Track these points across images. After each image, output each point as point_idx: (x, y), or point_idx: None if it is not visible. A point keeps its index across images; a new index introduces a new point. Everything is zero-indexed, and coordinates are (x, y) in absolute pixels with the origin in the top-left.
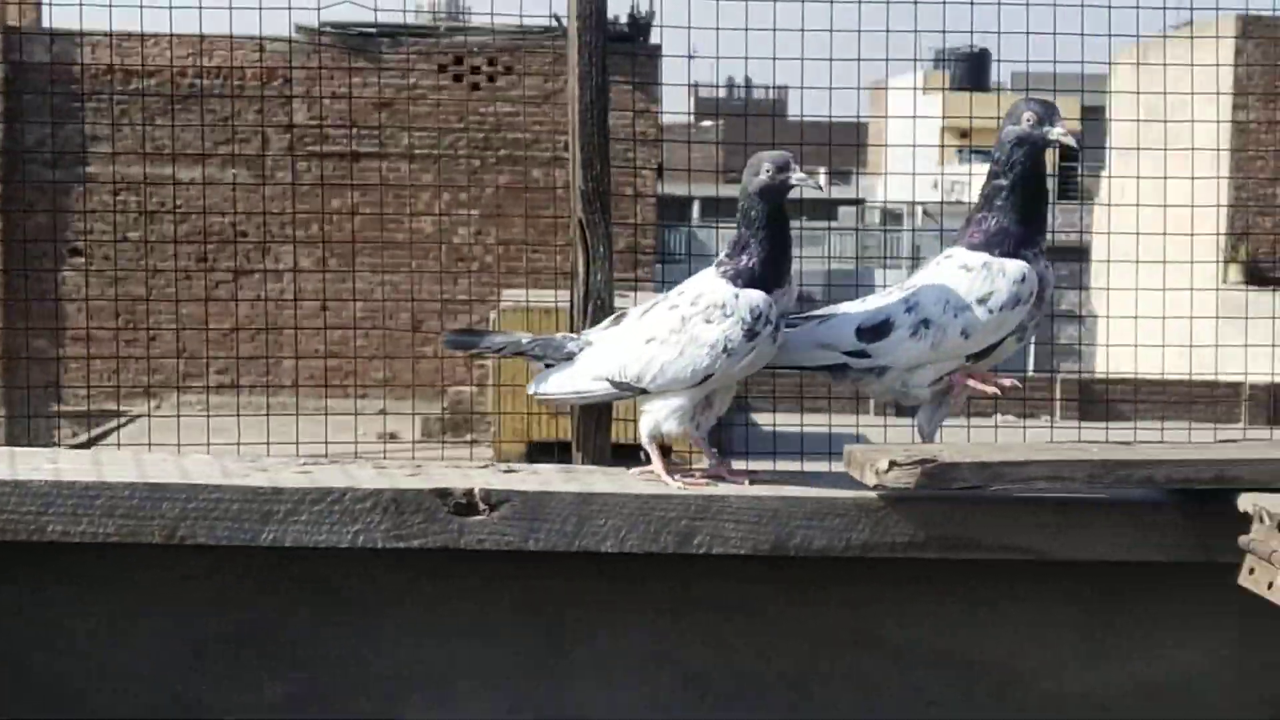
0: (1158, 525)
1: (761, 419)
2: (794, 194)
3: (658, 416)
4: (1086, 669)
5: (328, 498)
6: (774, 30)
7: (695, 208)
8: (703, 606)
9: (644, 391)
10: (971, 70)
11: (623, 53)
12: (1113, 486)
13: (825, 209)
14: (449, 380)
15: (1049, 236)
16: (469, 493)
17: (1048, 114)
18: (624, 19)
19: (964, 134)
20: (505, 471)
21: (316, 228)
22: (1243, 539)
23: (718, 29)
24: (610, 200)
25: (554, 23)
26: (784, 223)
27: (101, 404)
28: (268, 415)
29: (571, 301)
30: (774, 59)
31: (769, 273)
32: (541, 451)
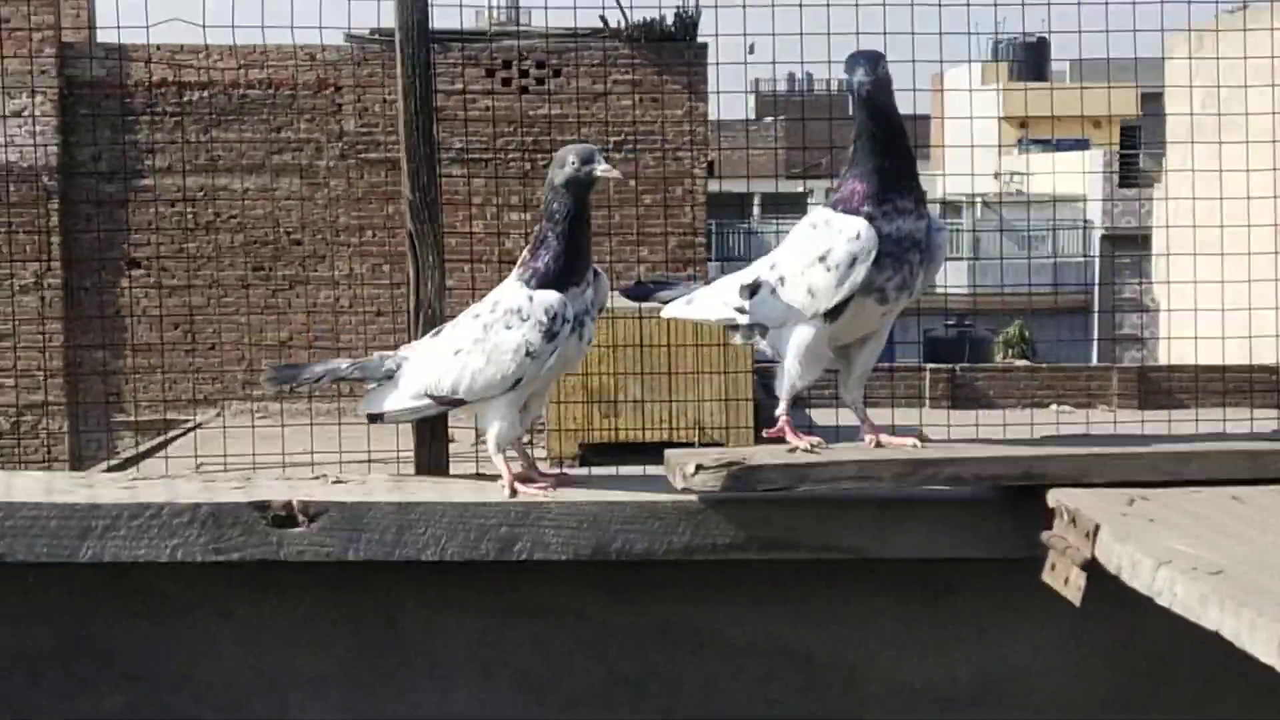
0: (978, 523)
1: (819, 416)
2: (600, 185)
3: (488, 425)
4: (923, 662)
5: (145, 512)
6: (827, 33)
7: (755, 203)
8: (535, 610)
9: (462, 402)
10: (1030, 60)
11: (671, 50)
12: (921, 484)
13: None
14: None
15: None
16: (288, 505)
17: None
18: (670, 19)
19: (1023, 124)
20: (334, 482)
21: (370, 234)
22: (1044, 534)
23: (773, 32)
24: (439, 210)
25: (602, 24)
26: (585, 218)
27: (162, 414)
28: (310, 423)
29: (407, 312)
30: (828, 60)
31: (567, 270)
32: (596, 452)
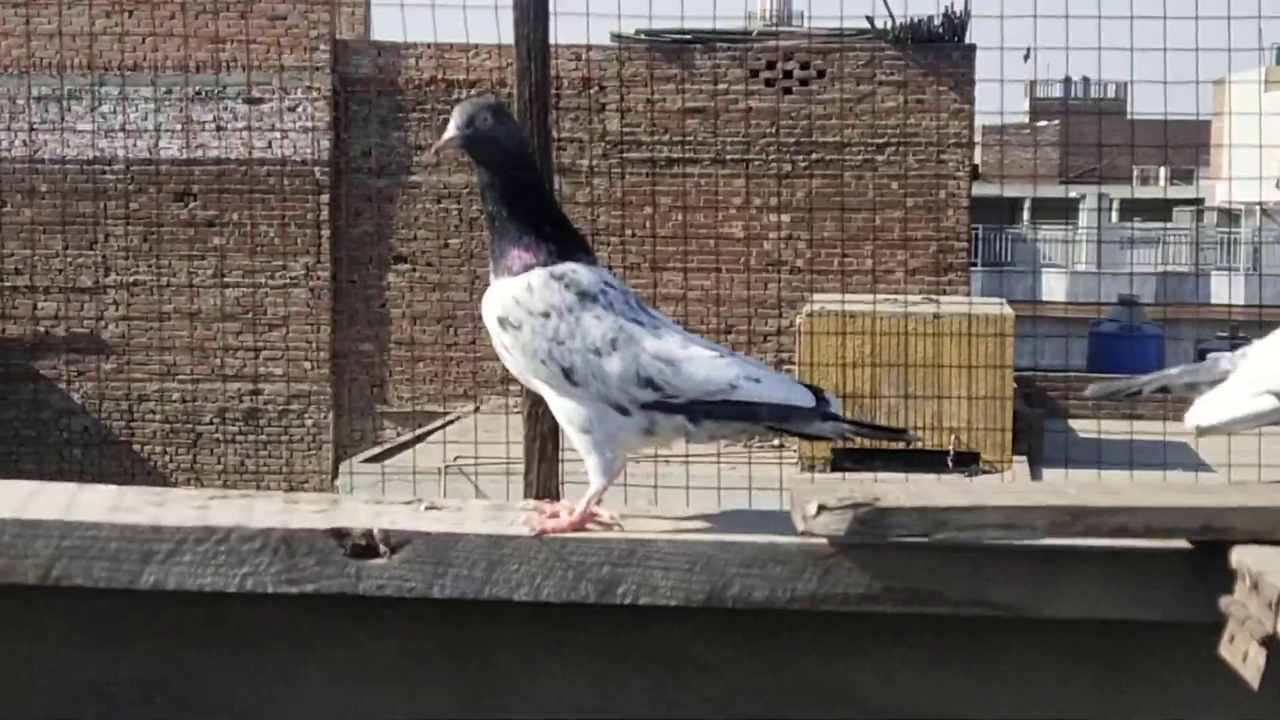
0: (1157, 580)
1: (1080, 425)
2: None
3: None
4: None
5: (212, 537)
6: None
7: (1026, 209)
8: (648, 656)
9: None
10: None
11: (938, 52)
12: (1080, 536)
13: (1160, 209)
14: None
15: None
16: (368, 533)
17: None
18: (939, 20)
19: None
20: (426, 509)
21: (630, 234)
22: (1223, 600)
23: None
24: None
25: (868, 25)
26: None
27: (424, 406)
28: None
29: None
30: (1097, 61)
31: None
32: (846, 457)
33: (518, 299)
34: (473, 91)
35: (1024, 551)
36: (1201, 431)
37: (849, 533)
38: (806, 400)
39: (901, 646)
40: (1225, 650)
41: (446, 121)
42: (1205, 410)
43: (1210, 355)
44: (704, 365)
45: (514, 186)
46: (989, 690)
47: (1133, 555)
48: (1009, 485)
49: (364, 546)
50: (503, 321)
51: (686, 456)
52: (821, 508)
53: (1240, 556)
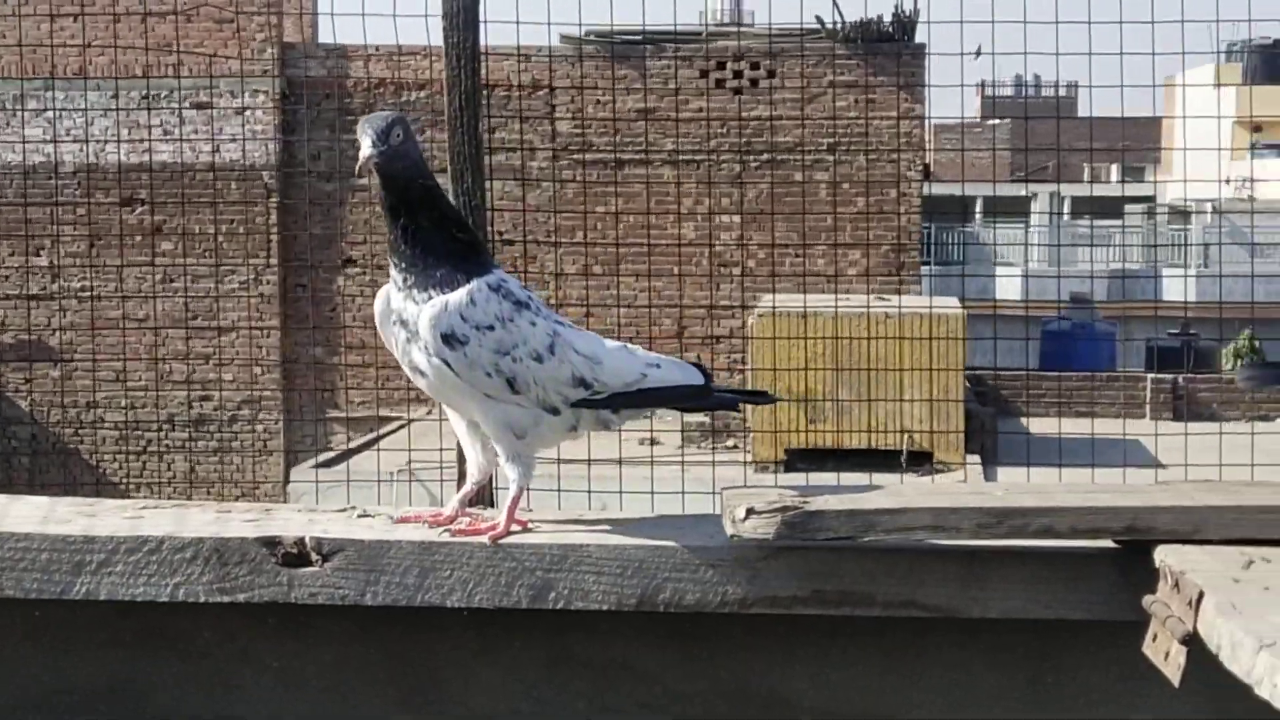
0: (1084, 580)
1: (1034, 424)
2: None
3: None
4: None
5: (144, 547)
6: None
7: (978, 206)
8: (582, 662)
9: None
10: (1264, 62)
11: (887, 53)
12: (1006, 537)
13: (1112, 207)
14: None
15: None
16: (300, 542)
17: None
18: (888, 19)
19: (1257, 128)
20: (360, 516)
21: (579, 235)
22: (1146, 599)
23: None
24: (484, 214)
25: (818, 24)
26: None
27: (376, 410)
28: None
29: None
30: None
31: None
32: (800, 458)
33: (463, 314)
34: (422, 95)
35: (953, 553)
36: None
37: (777, 536)
38: (698, 379)
39: (836, 649)
40: (1148, 649)
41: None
42: None
43: None
44: (621, 359)
45: (429, 199)
46: (922, 691)
47: (1061, 556)
48: (937, 487)
49: (296, 555)
50: (448, 338)
51: (619, 459)
52: (750, 512)
53: (1163, 556)
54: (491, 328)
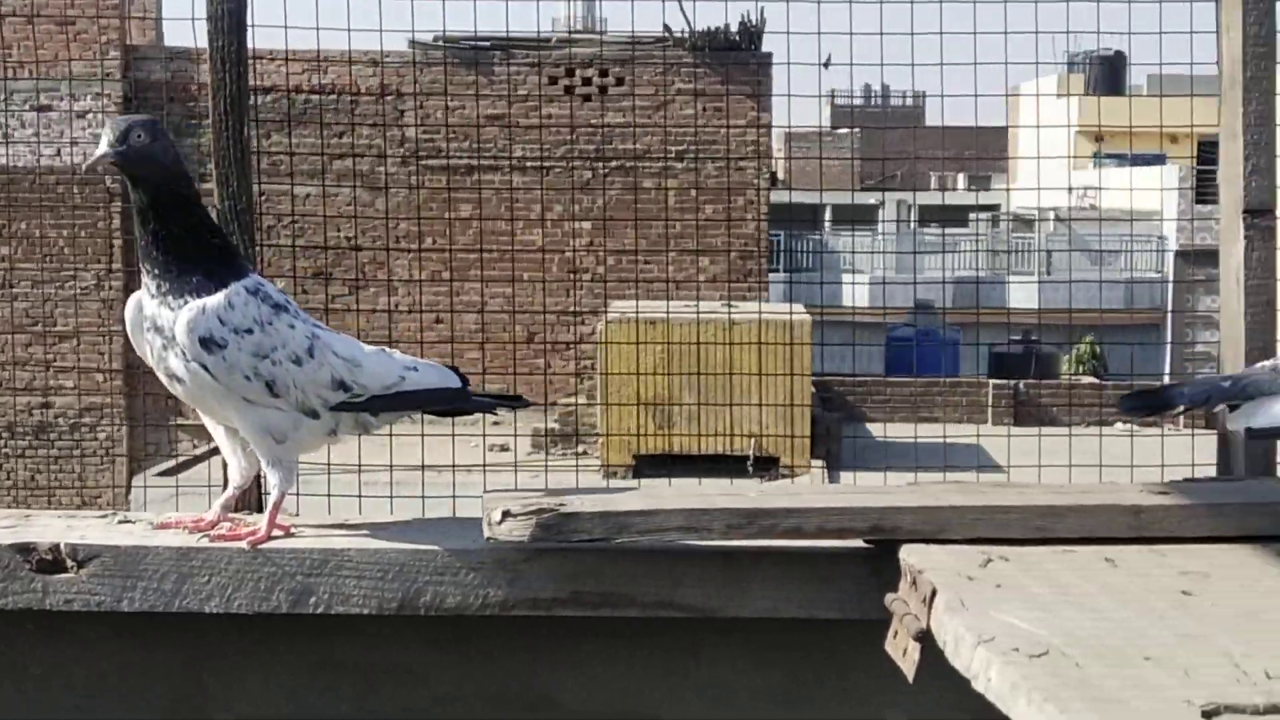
0: (836, 579)
1: (875, 429)
2: None
3: None
4: None
5: None
6: (881, 33)
7: (828, 214)
8: (348, 666)
9: None
10: (1106, 73)
11: (735, 62)
12: (756, 537)
13: (958, 215)
14: (561, 393)
15: None
16: (55, 548)
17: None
18: (735, 27)
19: (1098, 138)
20: (120, 522)
21: (430, 240)
22: (888, 597)
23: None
24: (252, 220)
25: (666, 33)
26: None
27: None
28: (390, 435)
29: None
30: (877, 64)
31: None
32: (649, 464)
33: (221, 317)
34: (267, 99)
35: (712, 554)
36: (1255, 434)
37: (532, 538)
38: (455, 382)
39: (600, 650)
40: (890, 646)
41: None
42: (1268, 414)
43: (1259, 365)
44: (380, 361)
45: (181, 204)
46: (685, 690)
47: (814, 556)
48: (693, 489)
49: (51, 561)
50: (206, 342)
51: (390, 465)
52: (506, 514)
53: (906, 555)
54: (250, 331)
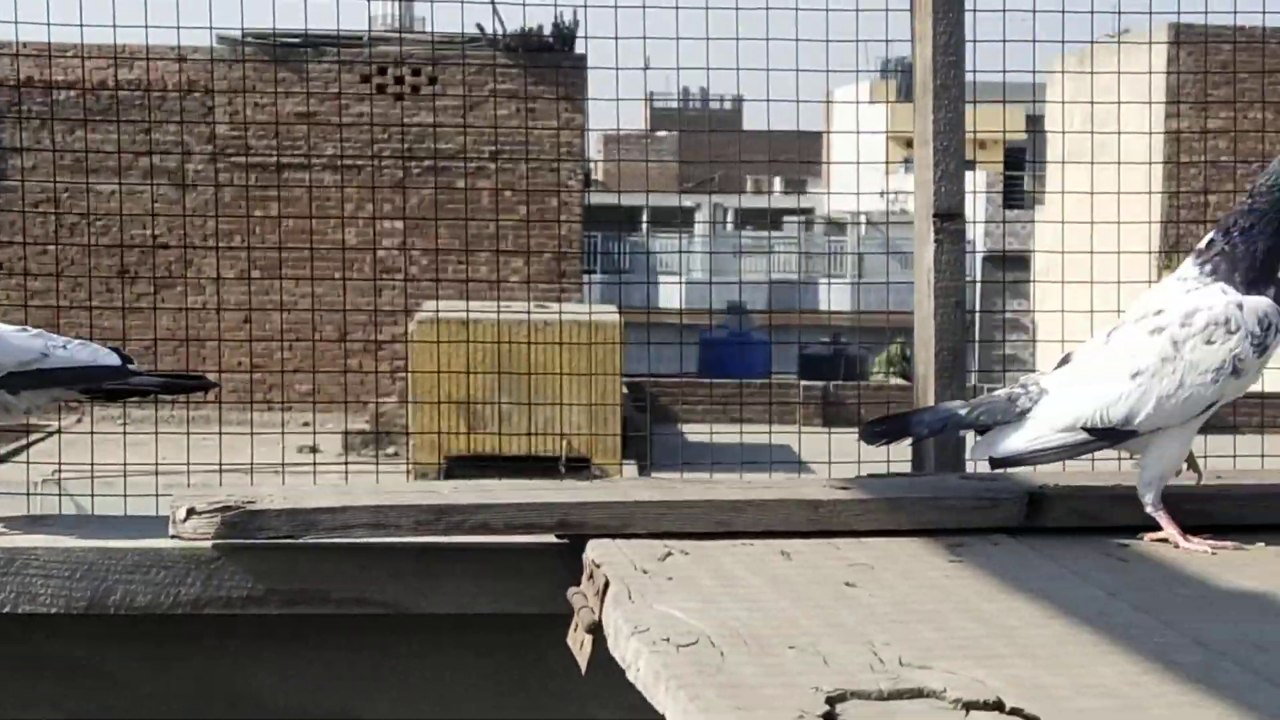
0: (530, 575)
1: (691, 429)
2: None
3: (1152, 462)
4: None
5: None
6: (689, 38)
7: (645, 217)
8: (43, 667)
9: (1132, 434)
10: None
11: (547, 65)
12: (445, 534)
13: (773, 219)
14: (373, 394)
15: None
16: None
17: None
18: (548, 29)
19: (909, 144)
20: None
21: (239, 239)
22: (570, 591)
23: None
24: None
25: (480, 33)
26: None
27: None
28: (188, 432)
29: None
30: (691, 67)
31: (1273, 270)
32: (459, 465)
33: None
34: (72, 94)
35: (407, 550)
36: (997, 463)
37: (217, 536)
38: (113, 360)
39: (302, 647)
40: (571, 639)
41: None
42: (1007, 443)
43: (999, 392)
44: (16, 338)
45: None
46: (389, 688)
47: (507, 551)
48: (384, 486)
49: None
50: None
51: (124, 464)
52: (191, 512)
53: (589, 550)
54: None
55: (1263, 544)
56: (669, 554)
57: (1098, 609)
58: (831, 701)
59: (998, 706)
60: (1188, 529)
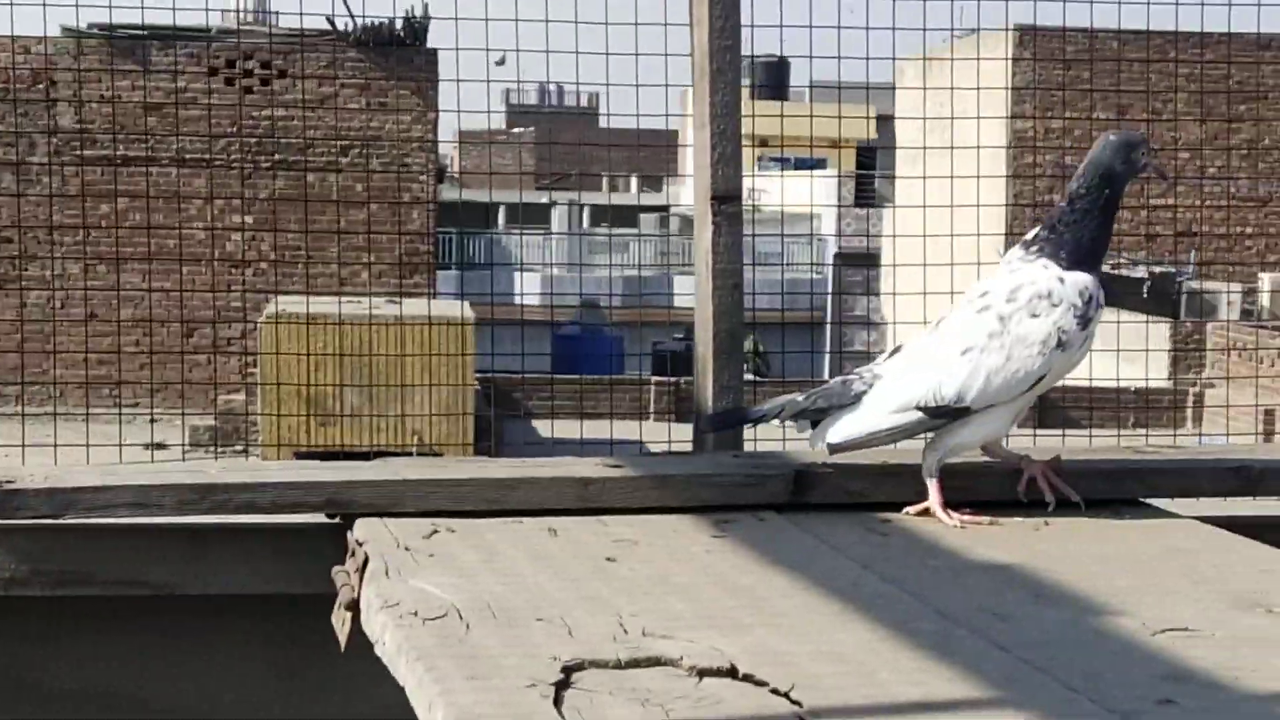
0: (301, 554)
1: (541, 424)
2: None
3: (973, 438)
4: (288, 710)
5: None
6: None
7: (501, 213)
8: None
9: (966, 411)
10: (772, 78)
11: (399, 58)
12: (210, 513)
13: (629, 215)
14: (221, 388)
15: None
16: None
17: None
18: (399, 25)
19: (764, 141)
20: None
21: (86, 234)
22: (335, 570)
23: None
24: None
25: (330, 26)
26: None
27: None
28: (23, 422)
29: None
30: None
31: (1100, 251)
32: (310, 459)
33: None
34: None
35: (178, 531)
36: (835, 449)
37: None
38: None
39: (80, 629)
40: (334, 618)
41: None
42: (841, 428)
43: (835, 380)
44: None
45: None
46: (164, 669)
47: (279, 531)
48: (150, 466)
49: None
50: None
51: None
52: None
53: (356, 528)
54: None
55: (1020, 519)
56: (435, 531)
57: (850, 580)
58: (568, 670)
59: (730, 673)
60: (956, 504)
